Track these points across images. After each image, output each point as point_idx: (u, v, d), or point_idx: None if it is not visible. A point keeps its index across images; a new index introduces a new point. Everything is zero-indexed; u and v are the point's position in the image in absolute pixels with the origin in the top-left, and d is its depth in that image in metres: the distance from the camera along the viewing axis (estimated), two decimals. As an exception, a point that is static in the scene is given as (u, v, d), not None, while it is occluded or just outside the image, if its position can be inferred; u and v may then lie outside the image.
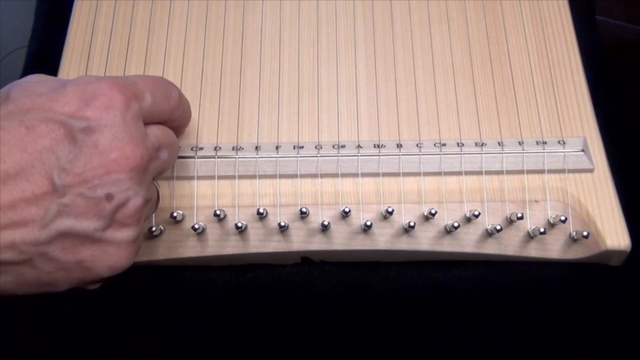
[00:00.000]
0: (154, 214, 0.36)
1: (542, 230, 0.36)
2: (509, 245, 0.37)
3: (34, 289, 0.28)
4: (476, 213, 0.36)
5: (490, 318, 0.38)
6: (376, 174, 0.38)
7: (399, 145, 0.39)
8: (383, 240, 0.37)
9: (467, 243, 0.37)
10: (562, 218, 0.36)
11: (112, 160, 0.27)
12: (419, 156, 0.38)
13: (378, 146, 0.39)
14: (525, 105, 0.40)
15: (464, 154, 0.38)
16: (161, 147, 0.31)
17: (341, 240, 0.37)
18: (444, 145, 0.39)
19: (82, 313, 0.38)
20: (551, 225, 0.37)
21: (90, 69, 0.41)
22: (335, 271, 0.38)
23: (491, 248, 0.37)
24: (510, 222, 0.37)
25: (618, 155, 0.42)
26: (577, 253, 0.37)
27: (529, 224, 0.37)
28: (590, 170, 0.39)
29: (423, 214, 0.37)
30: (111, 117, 0.28)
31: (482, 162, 0.38)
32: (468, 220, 0.37)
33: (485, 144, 0.39)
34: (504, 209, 0.37)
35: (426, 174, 0.38)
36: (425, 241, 0.37)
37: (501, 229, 0.36)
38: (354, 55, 0.42)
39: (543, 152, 0.39)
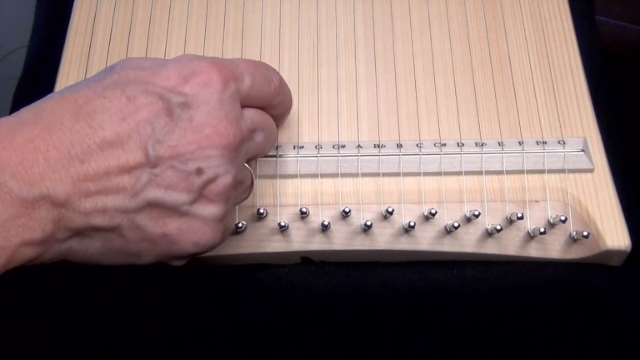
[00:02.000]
0: None
1: (542, 230, 0.36)
2: (509, 245, 0.37)
3: (119, 259, 0.29)
4: (476, 213, 0.36)
5: (490, 318, 0.38)
6: (376, 174, 0.38)
7: (399, 145, 0.39)
8: (383, 240, 0.37)
9: (467, 243, 0.37)
10: (562, 218, 0.36)
11: (205, 135, 0.28)
12: (419, 156, 0.38)
13: (378, 146, 0.39)
14: (525, 105, 0.40)
15: (464, 154, 0.38)
16: (256, 129, 0.32)
17: (341, 240, 0.37)
18: (444, 145, 0.39)
19: (78, 309, 0.38)
20: (551, 225, 0.37)
21: (90, 69, 0.41)
22: (335, 271, 0.38)
23: (491, 248, 0.37)
24: (510, 222, 0.37)
25: (618, 155, 0.42)
26: (577, 253, 0.37)
27: (529, 224, 0.37)
28: (590, 170, 0.39)
29: (423, 214, 0.37)
30: (208, 95, 0.28)
31: (482, 162, 0.38)
32: (468, 220, 0.37)
33: (485, 144, 0.39)
34: (504, 209, 0.37)
35: (426, 174, 0.38)
36: (425, 241, 0.37)
37: (501, 229, 0.36)
38: (354, 55, 0.42)
39: (543, 152, 0.39)
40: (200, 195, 0.29)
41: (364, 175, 0.38)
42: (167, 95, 0.28)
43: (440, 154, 0.38)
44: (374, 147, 0.38)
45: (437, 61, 0.42)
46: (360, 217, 0.37)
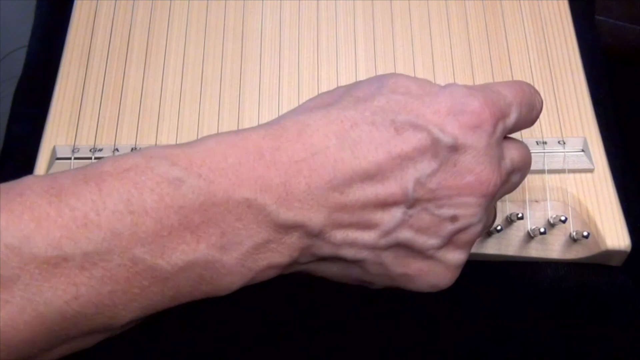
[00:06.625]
0: None
1: (542, 230, 0.36)
2: (509, 245, 0.37)
3: (350, 281, 0.29)
4: (476, 213, 0.36)
5: (490, 318, 0.38)
6: (376, 174, 0.38)
7: (399, 145, 0.38)
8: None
9: (467, 243, 0.37)
10: (562, 218, 0.36)
11: (465, 183, 0.27)
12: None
13: (378, 146, 0.38)
14: (525, 105, 0.40)
15: (464, 154, 0.38)
16: (514, 170, 0.30)
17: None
18: (444, 145, 0.39)
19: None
20: (551, 225, 0.37)
21: (90, 69, 0.41)
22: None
23: (491, 248, 0.37)
24: (510, 222, 0.37)
25: (618, 155, 0.42)
26: (577, 253, 0.37)
27: (529, 224, 0.37)
28: (590, 170, 0.39)
29: (423, 214, 0.37)
30: (476, 138, 0.27)
31: (482, 162, 0.38)
32: (468, 220, 0.37)
33: (485, 144, 0.39)
34: (503, 209, 0.37)
35: (426, 174, 0.38)
36: (425, 241, 0.37)
37: (501, 229, 0.36)
38: (354, 55, 0.42)
39: (543, 152, 0.39)
40: (449, 241, 0.28)
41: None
42: (437, 134, 0.26)
43: (440, 154, 0.38)
44: (374, 147, 0.38)
45: (437, 61, 0.42)
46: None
